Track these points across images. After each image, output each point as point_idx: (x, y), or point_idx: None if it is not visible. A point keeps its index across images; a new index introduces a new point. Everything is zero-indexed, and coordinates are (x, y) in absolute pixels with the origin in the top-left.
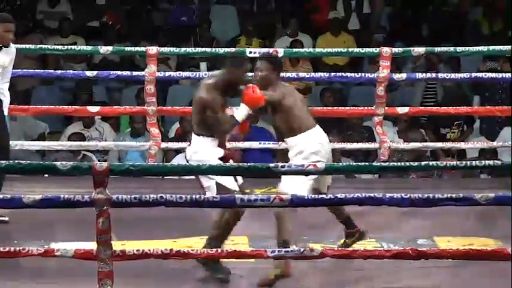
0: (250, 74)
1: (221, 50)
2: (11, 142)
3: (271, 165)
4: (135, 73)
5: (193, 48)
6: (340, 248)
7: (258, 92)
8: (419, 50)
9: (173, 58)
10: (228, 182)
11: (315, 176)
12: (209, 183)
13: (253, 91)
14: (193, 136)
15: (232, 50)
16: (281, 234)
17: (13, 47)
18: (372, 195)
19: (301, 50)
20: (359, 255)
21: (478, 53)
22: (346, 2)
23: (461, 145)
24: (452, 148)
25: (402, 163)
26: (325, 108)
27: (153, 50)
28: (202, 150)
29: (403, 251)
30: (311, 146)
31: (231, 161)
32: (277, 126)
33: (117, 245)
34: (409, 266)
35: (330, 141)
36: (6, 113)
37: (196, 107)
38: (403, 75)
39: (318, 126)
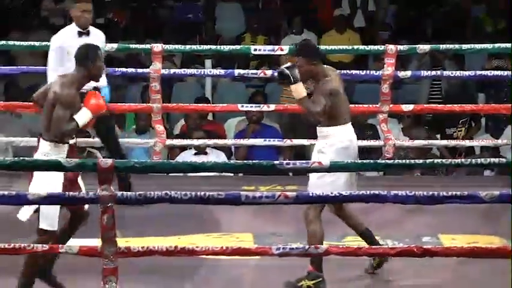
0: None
1: (226, 48)
2: (16, 139)
3: (276, 162)
4: (140, 70)
5: (198, 46)
6: (373, 267)
7: (99, 97)
8: (424, 47)
9: (178, 55)
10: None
11: (346, 174)
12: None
13: (95, 96)
14: (41, 141)
15: (237, 47)
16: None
17: (97, 31)
18: (376, 192)
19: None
20: (364, 253)
21: (483, 50)
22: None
23: (466, 143)
24: (457, 146)
25: (407, 161)
26: None
27: (158, 47)
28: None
29: (408, 249)
30: (343, 141)
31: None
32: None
33: (122, 242)
34: (415, 263)
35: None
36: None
37: (47, 105)
38: (408, 73)
39: (350, 122)
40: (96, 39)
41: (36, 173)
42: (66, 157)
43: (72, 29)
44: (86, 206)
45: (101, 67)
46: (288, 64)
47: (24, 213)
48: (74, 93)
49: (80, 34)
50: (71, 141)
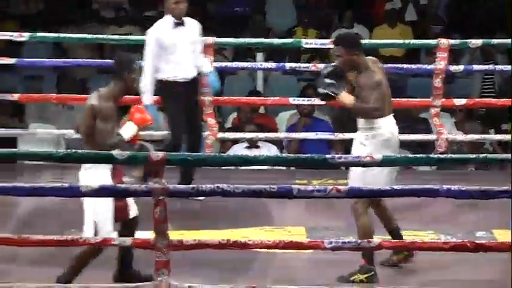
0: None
1: (277, 41)
2: (68, 131)
3: (328, 156)
4: None
5: (250, 39)
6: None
7: (142, 110)
8: (477, 41)
9: (229, 49)
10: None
11: (391, 168)
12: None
13: (139, 110)
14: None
15: (289, 40)
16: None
17: (192, 21)
18: (429, 187)
19: None
20: (416, 247)
21: None
22: None
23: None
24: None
25: (460, 155)
26: None
27: (209, 40)
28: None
29: (461, 244)
30: (385, 133)
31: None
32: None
33: (174, 235)
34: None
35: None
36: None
37: (85, 118)
38: (461, 67)
39: (392, 113)
40: (191, 29)
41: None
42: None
43: (168, 20)
44: (134, 212)
45: (135, 79)
46: (326, 82)
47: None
48: (112, 106)
49: (176, 25)
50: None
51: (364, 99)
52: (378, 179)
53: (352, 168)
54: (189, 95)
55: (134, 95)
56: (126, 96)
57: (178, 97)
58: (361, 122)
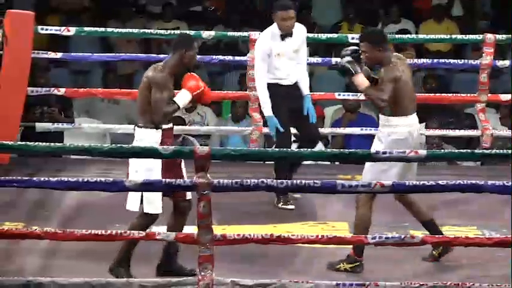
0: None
1: (323, 36)
2: (114, 126)
3: (373, 151)
4: (237, 58)
5: None
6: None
7: (194, 77)
8: None
9: None
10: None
11: (400, 164)
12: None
13: (192, 77)
14: (136, 129)
15: (334, 35)
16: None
17: (298, 29)
18: (473, 182)
19: (404, 36)
20: (460, 243)
21: None
22: None
23: None
24: None
25: (505, 150)
26: (427, 94)
27: (255, 35)
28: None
29: (505, 239)
30: (401, 132)
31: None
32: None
33: (218, 230)
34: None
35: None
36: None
37: (141, 91)
38: (507, 62)
39: (415, 113)
40: (297, 38)
41: (132, 160)
42: (161, 142)
43: (275, 32)
44: (189, 195)
45: (192, 57)
46: (348, 58)
47: (133, 203)
48: (167, 76)
49: (283, 37)
50: (166, 126)
51: (379, 90)
52: (387, 176)
53: (365, 164)
54: (293, 98)
55: (190, 71)
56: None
57: (282, 99)
58: (381, 118)
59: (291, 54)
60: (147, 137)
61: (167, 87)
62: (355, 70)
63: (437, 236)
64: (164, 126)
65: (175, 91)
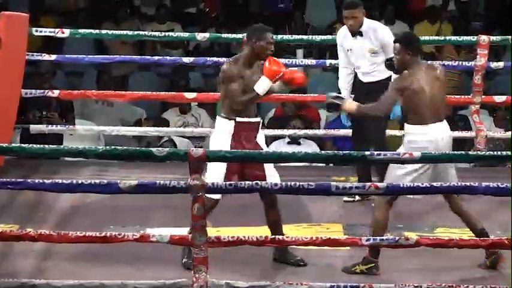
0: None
1: (318, 37)
2: (108, 128)
3: (367, 153)
4: None
5: (289, 35)
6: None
7: (276, 63)
8: None
9: None
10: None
11: (424, 168)
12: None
13: (270, 62)
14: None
15: (329, 37)
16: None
17: (373, 28)
18: (467, 184)
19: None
20: (454, 245)
21: None
22: None
23: None
24: None
25: (499, 152)
26: None
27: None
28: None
29: (499, 241)
30: (420, 141)
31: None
32: (403, 106)
33: (212, 232)
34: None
35: None
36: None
37: (218, 83)
38: (501, 64)
39: (441, 122)
40: (370, 39)
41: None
42: (234, 134)
43: (347, 30)
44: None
45: (263, 47)
46: (331, 94)
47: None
48: (236, 68)
49: (353, 35)
50: (243, 119)
51: (381, 98)
52: (396, 179)
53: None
54: (370, 96)
55: (264, 60)
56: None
57: (360, 95)
58: (404, 126)
59: (365, 52)
60: (220, 126)
61: (234, 78)
62: (340, 101)
63: (433, 238)
64: (239, 119)
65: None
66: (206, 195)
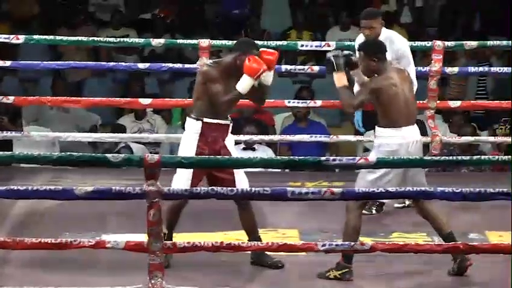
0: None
1: (273, 43)
2: (63, 134)
3: (322, 158)
4: (187, 65)
5: None
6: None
7: (256, 61)
8: (472, 43)
9: (225, 50)
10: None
11: (395, 173)
12: None
13: (250, 60)
14: (187, 119)
15: (284, 42)
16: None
17: (390, 38)
18: (423, 189)
19: (352, 43)
20: (410, 250)
21: None
22: None
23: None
24: (504, 143)
25: (454, 157)
26: None
27: (205, 42)
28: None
29: (454, 246)
30: (391, 144)
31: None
32: (376, 110)
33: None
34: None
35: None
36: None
37: (196, 85)
38: (456, 69)
39: (412, 126)
40: (387, 48)
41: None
42: (201, 134)
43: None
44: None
45: (243, 62)
46: (335, 53)
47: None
48: (217, 71)
49: None
50: (210, 120)
51: (356, 93)
52: (378, 185)
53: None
54: None
55: (240, 74)
56: None
57: None
58: (376, 128)
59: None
60: (189, 127)
61: (217, 78)
62: (338, 66)
63: (388, 243)
64: (207, 120)
65: None
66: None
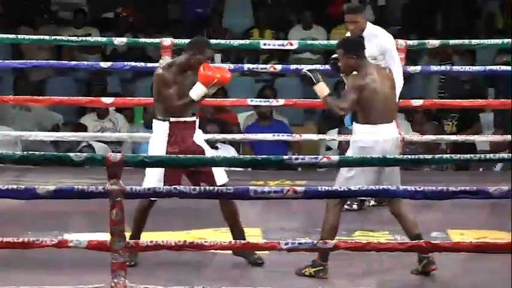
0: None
1: (235, 42)
2: (25, 133)
3: (285, 157)
4: (149, 64)
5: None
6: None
7: (210, 69)
8: (434, 42)
9: None
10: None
11: (369, 171)
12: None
13: (204, 68)
14: (154, 121)
15: (247, 41)
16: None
17: (375, 34)
18: (385, 187)
19: (315, 42)
20: (372, 248)
21: (494, 46)
22: None
23: (475, 138)
24: (458, 141)
25: (416, 156)
26: None
27: (167, 41)
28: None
29: (417, 244)
30: (366, 141)
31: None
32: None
33: (131, 237)
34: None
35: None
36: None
37: (154, 86)
38: (418, 68)
39: (390, 123)
40: (372, 44)
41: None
42: (170, 134)
43: None
44: (223, 179)
45: (200, 61)
46: (309, 67)
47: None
48: (171, 74)
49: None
50: (176, 119)
51: (343, 95)
52: (354, 183)
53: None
54: None
55: (194, 73)
56: None
57: None
58: (353, 125)
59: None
60: (156, 129)
61: (173, 83)
62: (316, 79)
63: (351, 241)
64: (173, 119)
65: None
66: None
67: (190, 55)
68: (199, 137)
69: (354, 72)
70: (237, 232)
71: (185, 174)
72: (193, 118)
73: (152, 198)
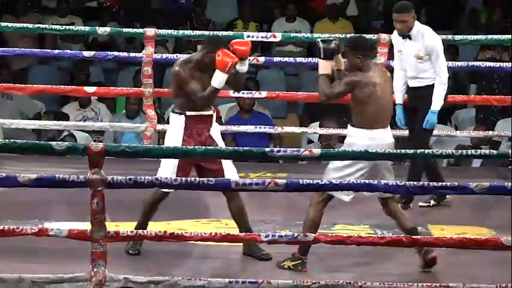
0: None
1: (219, 34)
2: (7, 121)
3: (267, 149)
4: (132, 54)
5: (191, 31)
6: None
7: (225, 54)
8: None
9: (171, 41)
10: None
11: (364, 168)
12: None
13: (219, 55)
14: (171, 115)
15: (230, 33)
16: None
17: (421, 33)
18: (367, 182)
19: (298, 35)
20: (353, 242)
21: (477, 41)
22: None
23: (457, 133)
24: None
25: (398, 150)
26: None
27: (151, 31)
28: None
29: (397, 239)
30: (359, 145)
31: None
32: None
33: (111, 226)
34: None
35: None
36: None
37: (171, 83)
38: None
39: (384, 129)
40: (417, 44)
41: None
42: (186, 127)
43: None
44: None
45: (213, 59)
46: (326, 39)
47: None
48: (187, 69)
49: (403, 37)
50: (192, 113)
51: (334, 84)
52: (348, 178)
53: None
54: (412, 103)
55: (211, 70)
56: None
57: (409, 100)
58: (348, 127)
59: (411, 57)
60: (173, 122)
61: (192, 78)
62: (325, 54)
63: (331, 235)
64: (189, 113)
65: None
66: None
67: (205, 53)
68: (216, 131)
69: (365, 72)
70: (244, 227)
71: (196, 169)
72: (210, 112)
73: (165, 190)
